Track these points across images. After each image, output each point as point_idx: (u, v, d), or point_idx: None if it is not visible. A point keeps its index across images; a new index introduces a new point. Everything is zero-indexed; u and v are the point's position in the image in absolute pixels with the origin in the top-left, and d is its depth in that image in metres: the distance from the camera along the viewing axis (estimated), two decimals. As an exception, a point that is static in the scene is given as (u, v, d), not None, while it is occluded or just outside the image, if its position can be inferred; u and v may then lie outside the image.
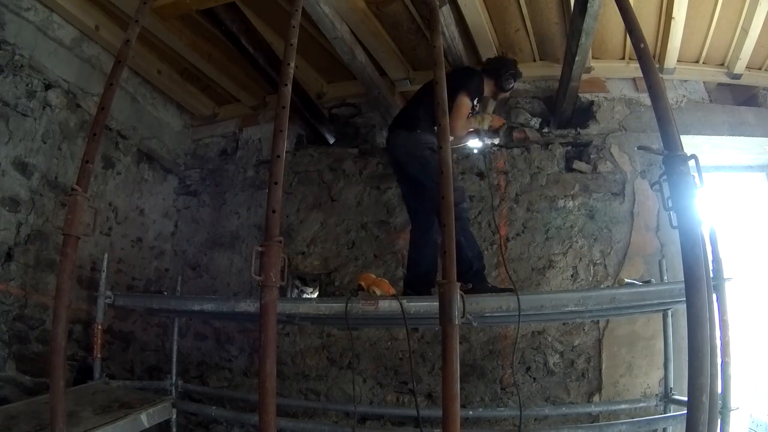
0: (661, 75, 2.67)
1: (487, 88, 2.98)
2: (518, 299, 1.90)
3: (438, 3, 2.16)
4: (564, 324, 2.93)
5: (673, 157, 1.40)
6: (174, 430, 2.71)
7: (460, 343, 1.44)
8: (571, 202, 3.17)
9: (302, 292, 3.78)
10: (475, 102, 2.89)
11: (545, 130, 3.46)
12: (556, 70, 3.19)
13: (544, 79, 3.54)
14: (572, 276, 3.05)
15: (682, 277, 1.34)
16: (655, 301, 2.06)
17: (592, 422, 2.69)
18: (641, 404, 2.67)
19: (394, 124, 2.95)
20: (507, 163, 3.37)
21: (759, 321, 3.28)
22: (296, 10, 1.89)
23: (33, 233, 2.80)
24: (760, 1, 2.71)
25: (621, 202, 3.13)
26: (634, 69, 3.25)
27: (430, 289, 2.65)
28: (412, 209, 2.93)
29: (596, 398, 2.82)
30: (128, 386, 2.73)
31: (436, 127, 1.77)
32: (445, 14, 2.60)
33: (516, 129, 3.43)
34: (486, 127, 3.07)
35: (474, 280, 2.53)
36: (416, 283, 2.73)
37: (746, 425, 3.19)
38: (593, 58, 3.33)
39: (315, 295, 3.69)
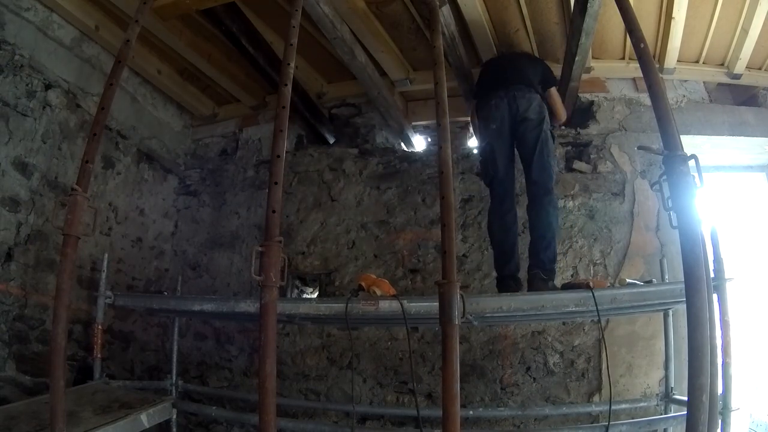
0: (661, 75, 2.68)
1: None
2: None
3: (438, 3, 2.16)
4: (564, 324, 2.93)
5: (673, 157, 1.41)
6: (174, 430, 2.71)
7: (460, 343, 1.44)
8: (571, 202, 3.16)
9: (302, 292, 3.78)
10: None
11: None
12: (556, 70, 3.19)
13: (544, 79, 3.54)
14: (572, 276, 3.04)
15: (682, 277, 1.34)
16: (656, 301, 2.06)
17: (592, 422, 2.69)
18: (641, 404, 2.67)
19: (520, 80, 2.76)
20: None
21: (759, 321, 3.28)
22: (296, 10, 1.89)
23: (33, 233, 2.80)
24: (760, 1, 2.71)
25: (621, 202, 3.13)
26: (634, 69, 3.25)
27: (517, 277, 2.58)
28: (508, 185, 2.70)
29: (596, 398, 2.82)
30: (128, 386, 2.73)
31: None
32: (445, 14, 2.60)
33: None
34: None
35: (552, 276, 2.47)
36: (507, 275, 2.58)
37: (746, 425, 3.19)
38: (593, 58, 3.33)
39: (315, 295, 3.69)
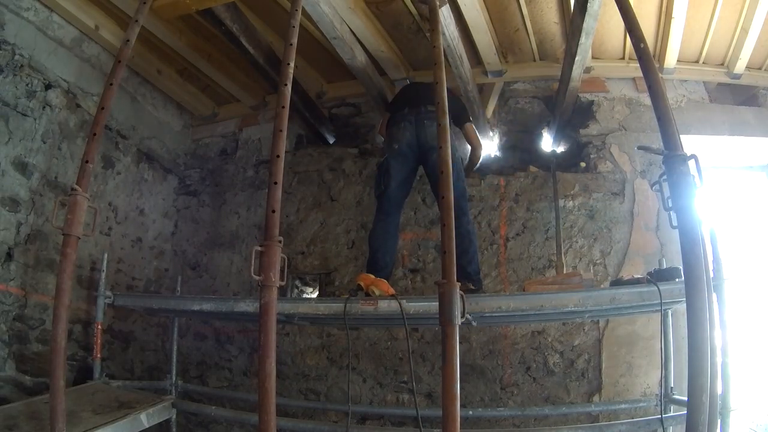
0: (661, 75, 2.67)
1: None
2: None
3: (438, 3, 2.16)
4: (564, 324, 2.93)
5: (673, 157, 1.41)
6: (174, 430, 2.71)
7: (460, 343, 1.44)
8: (571, 202, 3.16)
9: (302, 292, 3.78)
10: None
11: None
12: (556, 70, 3.19)
13: (544, 79, 3.55)
14: (572, 276, 3.05)
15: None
16: (656, 302, 2.06)
17: (592, 422, 2.69)
18: (641, 404, 2.67)
19: (426, 108, 2.80)
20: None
21: (759, 321, 3.28)
22: (296, 10, 1.89)
23: (33, 233, 2.79)
24: (760, 1, 2.71)
25: (621, 202, 3.13)
26: (634, 69, 3.25)
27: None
28: (396, 202, 2.88)
29: (596, 398, 2.82)
30: (128, 386, 2.73)
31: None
32: (445, 14, 2.60)
33: None
34: None
35: (480, 284, 2.65)
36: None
37: (746, 425, 3.19)
38: (593, 58, 3.33)
39: (315, 294, 3.69)
